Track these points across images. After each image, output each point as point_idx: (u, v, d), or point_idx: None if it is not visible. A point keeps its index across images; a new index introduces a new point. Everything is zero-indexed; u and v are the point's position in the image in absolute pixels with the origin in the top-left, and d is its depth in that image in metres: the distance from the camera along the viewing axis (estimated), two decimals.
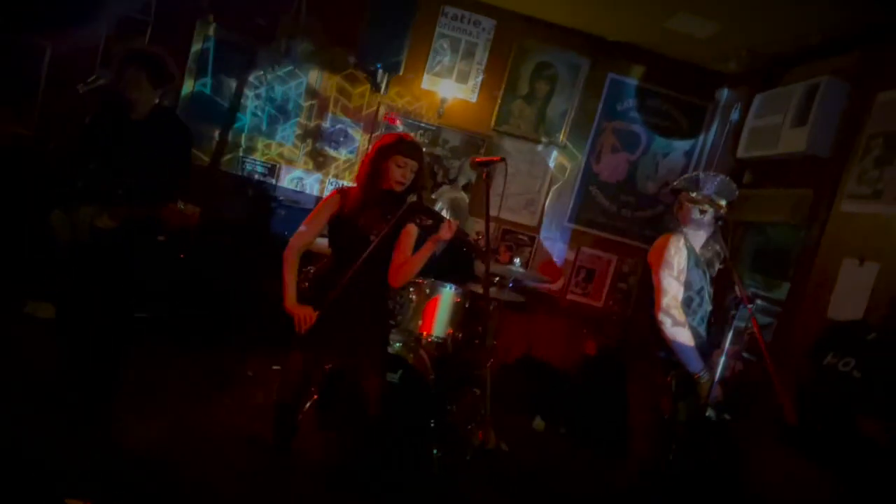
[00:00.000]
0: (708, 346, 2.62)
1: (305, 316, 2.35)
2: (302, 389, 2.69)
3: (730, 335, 2.34)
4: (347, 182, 4.82)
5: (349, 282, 2.33)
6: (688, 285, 2.57)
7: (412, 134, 4.61)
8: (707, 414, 3.77)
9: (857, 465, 2.34)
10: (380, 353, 2.69)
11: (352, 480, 2.83)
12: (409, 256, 2.50)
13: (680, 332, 2.50)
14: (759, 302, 4.03)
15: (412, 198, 2.43)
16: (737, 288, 2.32)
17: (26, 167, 4.40)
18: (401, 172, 2.42)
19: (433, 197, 4.63)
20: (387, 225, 2.38)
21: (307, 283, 2.61)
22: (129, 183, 2.52)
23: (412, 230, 2.51)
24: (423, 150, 2.54)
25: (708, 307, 2.65)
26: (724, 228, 2.53)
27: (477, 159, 2.39)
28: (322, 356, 2.72)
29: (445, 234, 2.32)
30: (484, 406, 3.82)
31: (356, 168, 4.83)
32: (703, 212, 2.58)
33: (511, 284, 3.91)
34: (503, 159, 2.39)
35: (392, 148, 2.43)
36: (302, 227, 2.55)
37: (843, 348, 2.66)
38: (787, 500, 2.88)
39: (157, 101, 2.68)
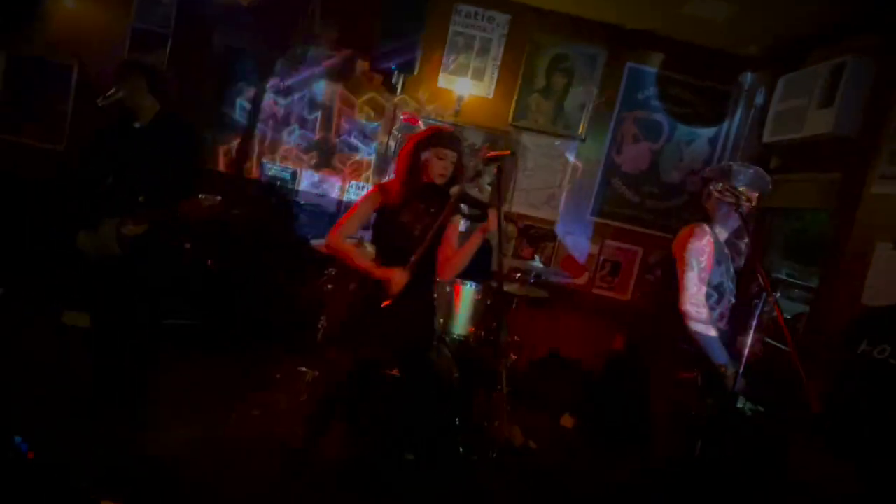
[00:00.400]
0: (731, 339, 2.55)
1: (399, 277, 2.34)
2: (344, 388, 2.68)
3: (753, 326, 2.27)
4: (367, 183, 4.86)
5: (383, 283, 2.35)
6: (707, 281, 2.50)
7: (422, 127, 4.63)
8: (740, 406, 3.71)
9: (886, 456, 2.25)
10: (427, 350, 2.71)
11: (378, 480, 2.85)
12: (456, 249, 2.49)
13: (703, 325, 2.44)
14: (788, 291, 3.93)
15: (455, 189, 2.41)
16: (759, 277, 2.25)
17: (59, 181, 4.56)
18: (442, 165, 2.41)
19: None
20: (432, 219, 2.39)
21: (355, 284, 2.62)
22: (146, 189, 2.58)
23: (458, 222, 2.53)
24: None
25: (728, 301, 2.57)
26: (747, 217, 2.44)
27: (488, 154, 2.37)
28: (371, 354, 2.68)
29: (494, 221, 2.29)
30: (505, 403, 3.81)
31: (374, 169, 4.87)
32: (732, 205, 2.44)
33: (532, 280, 3.88)
34: (513, 153, 2.36)
35: (432, 140, 2.42)
36: (342, 220, 2.55)
37: (879, 335, 2.56)
38: (825, 494, 2.79)
39: (159, 106, 2.75)
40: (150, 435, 2.81)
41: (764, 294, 2.22)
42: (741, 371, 2.25)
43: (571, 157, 4.85)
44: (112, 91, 2.64)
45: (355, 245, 3.57)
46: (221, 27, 4.61)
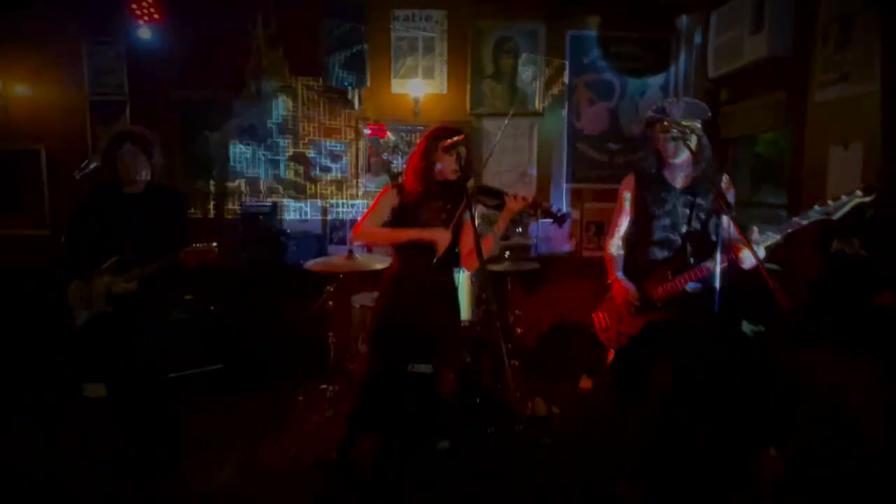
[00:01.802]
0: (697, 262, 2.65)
1: (443, 235, 2.50)
2: (371, 396, 2.78)
3: (719, 247, 2.40)
4: (348, 201, 4.99)
5: (421, 277, 2.51)
6: (641, 216, 2.70)
7: (390, 135, 4.77)
8: (743, 330, 3.86)
9: (881, 340, 2.41)
10: (458, 343, 2.86)
11: (416, 474, 2.96)
12: (475, 240, 2.57)
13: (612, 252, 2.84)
14: (767, 217, 4.08)
15: (471, 184, 2.52)
16: (717, 200, 2.40)
17: (51, 263, 4.67)
18: (452, 162, 2.52)
19: None
20: (450, 214, 2.51)
21: (382, 287, 2.75)
22: (136, 248, 2.69)
23: (473, 213, 2.63)
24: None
25: (682, 232, 2.67)
26: (699, 147, 2.56)
27: (445, 143, 2.50)
28: (402, 356, 2.78)
29: (514, 205, 2.41)
30: (520, 376, 3.95)
31: (350, 185, 5.00)
32: (676, 138, 2.58)
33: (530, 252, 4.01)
34: (465, 136, 2.50)
35: (440, 138, 2.53)
36: (363, 218, 2.67)
37: (846, 231, 2.72)
38: (830, 393, 2.95)
39: (150, 175, 2.84)
40: (188, 482, 2.92)
41: (721, 215, 2.37)
42: (718, 290, 2.38)
43: (535, 132, 5.00)
44: (85, 162, 2.75)
45: (348, 256, 3.71)
46: (174, 82, 4.73)
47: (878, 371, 2.59)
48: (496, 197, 2.50)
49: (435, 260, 2.51)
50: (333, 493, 2.82)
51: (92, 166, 2.77)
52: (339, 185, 5.02)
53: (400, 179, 2.76)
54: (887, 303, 2.40)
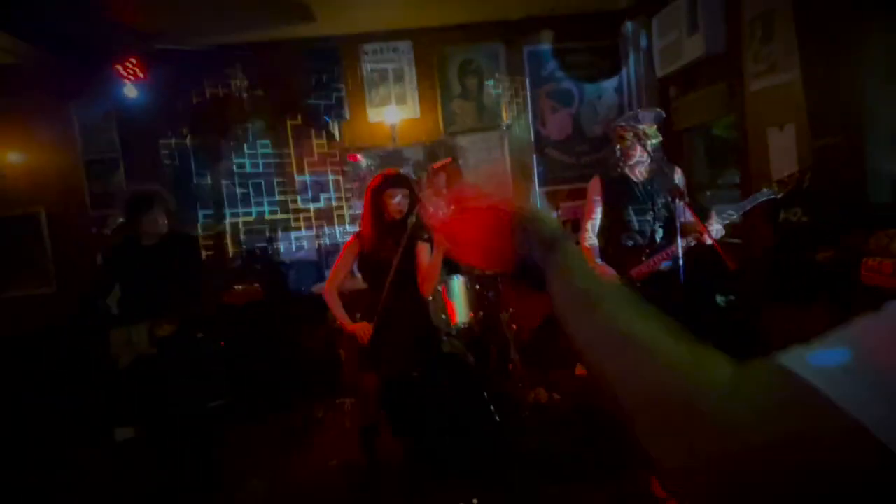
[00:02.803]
0: (663, 245, 3.01)
1: (363, 329, 2.79)
2: (378, 408, 3.08)
3: (678, 230, 2.76)
4: (337, 225, 5.28)
5: (390, 304, 2.77)
6: (610, 211, 3.08)
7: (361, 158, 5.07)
8: (718, 301, 4.23)
9: (827, 290, 2.78)
10: (433, 355, 3.13)
11: (438, 462, 3.24)
12: (427, 266, 2.86)
13: (588, 244, 3.18)
14: (725, 200, 4.48)
15: (412, 220, 2.81)
16: (672, 190, 2.77)
17: (62, 318, 4.87)
18: (396, 203, 2.81)
19: None
20: (404, 251, 2.77)
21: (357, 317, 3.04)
22: (164, 295, 2.96)
23: (424, 247, 2.91)
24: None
25: (649, 220, 3.03)
26: (653, 148, 2.94)
27: (434, 167, 2.83)
28: (387, 371, 3.04)
29: (442, 241, 2.72)
30: (522, 370, 4.26)
31: (339, 212, 5.30)
32: (642, 143, 2.92)
33: None
34: (454, 159, 2.84)
35: (381, 186, 2.82)
36: (332, 272, 2.98)
37: (789, 203, 3.11)
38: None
39: (167, 227, 3.11)
40: (231, 498, 3.17)
41: (675, 201, 2.73)
42: (682, 267, 2.73)
43: (506, 144, 5.36)
44: (116, 220, 3.01)
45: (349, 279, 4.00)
46: (164, 133, 5.00)
47: (829, 317, 2.97)
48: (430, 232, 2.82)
49: (395, 272, 2.76)
50: (362, 494, 3.08)
51: (120, 221, 3.03)
52: (329, 212, 5.32)
53: (359, 228, 3.02)
54: (827, 258, 2.77)
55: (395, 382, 3.29)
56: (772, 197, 2.76)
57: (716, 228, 2.72)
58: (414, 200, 2.89)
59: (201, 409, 3.26)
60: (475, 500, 2.71)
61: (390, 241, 2.84)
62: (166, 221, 3.08)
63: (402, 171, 3.08)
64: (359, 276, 3.07)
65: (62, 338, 4.55)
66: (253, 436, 4.04)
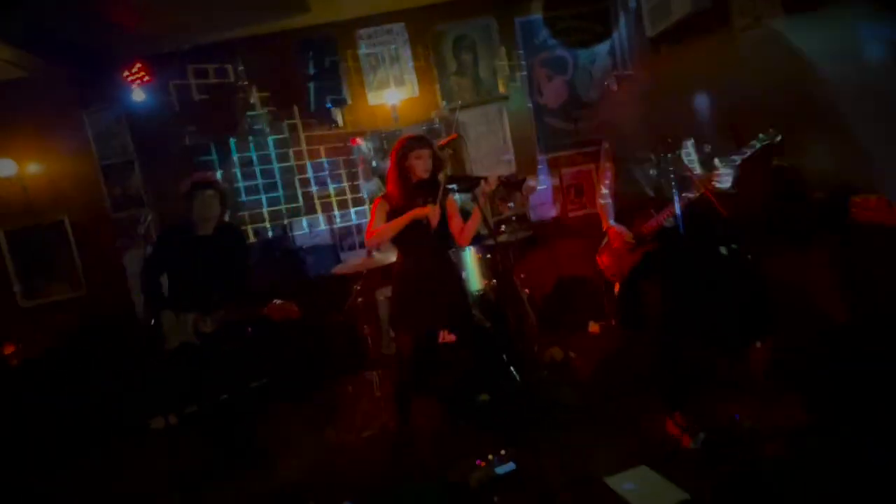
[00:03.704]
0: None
1: (432, 210, 2.92)
2: (415, 367, 3.23)
3: (675, 186, 2.91)
4: (351, 209, 5.45)
5: (422, 263, 2.97)
6: (625, 172, 3.21)
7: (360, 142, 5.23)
8: (722, 252, 4.38)
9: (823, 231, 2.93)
10: (468, 305, 3.33)
11: (465, 423, 3.46)
12: (463, 221, 3.07)
13: (603, 203, 3.29)
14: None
15: (442, 176, 2.97)
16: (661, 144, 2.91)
17: (95, 319, 5.12)
18: (422, 163, 2.99)
19: None
20: (434, 205, 2.92)
21: (393, 280, 3.20)
22: (215, 288, 3.13)
23: (453, 201, 3.12)
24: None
25: (655, 174, 3.17)
26: None
27: (440, 143, 3.00)
28: (424, 327, 3.24)
29: (487, 188, 2.86)
30: (538, 331, 4.46)
31: (348, 195, 5.47)
32: None
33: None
34: (459, 135, 3.00)
35: (405, 148, 3.00)
36: (370, 225, 3.10)
37: (781, 150, 3.24)
38: (795, 285, 3.47)
39: (220, 216, 3.26)
40: (276, 469, 3.42)
41: (667, 154, 2.88)
42: (681, 221, 2.88)
43: (505, 116, 5.48)
44: (146, 216, 3.18)
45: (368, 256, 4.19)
46: (174, 133, 5.15)
47: (825, 257, 3.12)
48: (465, 181, 2.99)
49: (432, 231, 2.95)
50: (398, 455, 3.29)
51: (149, 218, 3.21)
52: (339, 196, 5.48)
53: (386, 190, 3.18)
54: (819, 199, 2.92)
55: (428, 343, 3.45)
56: (767, 143, 2.88)
57: (725, 177, 2.86)
58: (438, 161, 3.06)
59: (241, 390, 3.47)
60: (503, 451, 2.92)
61: (419, 200, 3.01)
62: (220, 210, 3.22)
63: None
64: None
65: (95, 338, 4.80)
66: (287, 414, 4.29)
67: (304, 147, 5.39)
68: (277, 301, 3.03)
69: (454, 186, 3.00)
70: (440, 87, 5.41)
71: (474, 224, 3.02)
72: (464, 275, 4.07)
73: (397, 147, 3.05)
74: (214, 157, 5.26)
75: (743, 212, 3.63)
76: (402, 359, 3.22)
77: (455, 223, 3.10)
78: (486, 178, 2.90)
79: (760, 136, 2.89)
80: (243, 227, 5.38)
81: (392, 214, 3.08)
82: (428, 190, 3.00)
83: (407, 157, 2.99)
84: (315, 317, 4.70)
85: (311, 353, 4.69)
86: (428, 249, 3.04)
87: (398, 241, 3.14)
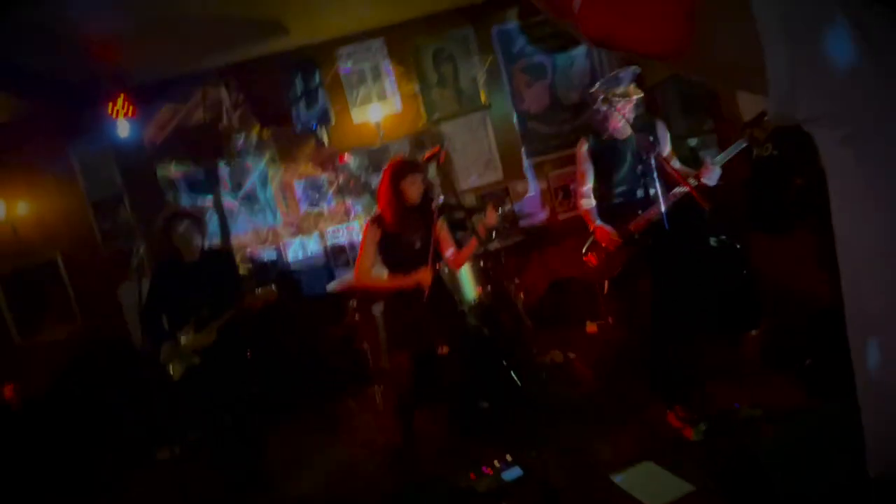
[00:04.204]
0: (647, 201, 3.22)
1: (425, 275, 2.97)
2: (413, 385, 3.27)
3: (656, 182, 2.96)
4: (338, 225, 5.48)
5: (416, 285, 2.99)
6: (601, 173, 3.26)
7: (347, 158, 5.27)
8: (711, 243, 4.43)
9: (803, 214, 2.99)
10: (459, 322, 3.36)
11: (470, 430, 3.48)
12: (456, 246, 3.14)
13: (586, 206, 3.33)
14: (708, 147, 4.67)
15: (436, 203, 3.03)
16: (646, 144, 2.96)
17: (92, 354, 5.11)
18: (415, 189, 3.03)
19: None
20: (426, 231, 2.99)
21: (382, 304, 3.24)
22: (207, 307, 3.18)
23: (444, 226, 3.16)
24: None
25: (635, 176, 3.22)
26: (626, 107, 3.12)
27: (424, 157, 3.04)
28: (419, 346, 3.24)
29: (490, 221, 2.93)
30: (535, 334, 4.48)
31: (338, 213, 5.50)
32: (609, 105, 3.11)
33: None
34: (440, 147, 3.04)
35: (399, 173, 3.03)
36: (358, 261, 3.15)
37: (762, 139, 3.30)
38: (784, 271, 3.53)
39: (203, 244, 3.32)
40: (284, 484, 3.43)
41: (650, 155, 2.93)
42: (666, 217, 2.94)
43: (488, 125, 5.54)
44: (136, 251, 3.23)
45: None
46: (161, 162, 5.19)
47: (810, 242, 3.18)
48: (461, 210, 3.03)
49: (421, 253, 3.00)
50: (404, 467, 3.31)
51: (142, 250, 3.24)
52: (330, 215, 5.52)
53: (377, 212, 3.22)
54: (800, 183, 2.98)
55: (425, 358, 3.48)
56: (745, 146, 2.93)
57: (713, 175, 2.92)
58: (429, 186, 3.12)
59: (244, 413, 3.49)
60: (508, 457, 2.95)
61: (411, 224, 3.06)
62: (201, 238, 3.28)
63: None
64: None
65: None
66: (292, 432, 4.29)
67: (292, 167, 5.42)
68: (258, 290, 3.07)
69: (448, 215, 3.06)
70: (423, 101, 5.46)
71: (469, 252, 3.08)
72: (455, 290, 4.11)
73: (390, 170, 3.08)
74: (200, 184, 5.29)
75: (726, 202, 3.70)
76: (400, 379, 3.26)
77: (447, 249, 3.14)
78: (484, 212, 2.94)
79: (740, 141, 2.92)
80: (236, 251, 5.41)
81: (384, 240, 3.11)
82: (421, 213, 3.04)
83: (400, 182, 3.02)
84: (313, 335, 4.73)
85: (312, 371, 4.71)
86: (431, 271, 3.04)
87: (388, 263, 3.18)
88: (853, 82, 0.59)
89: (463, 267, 4.18)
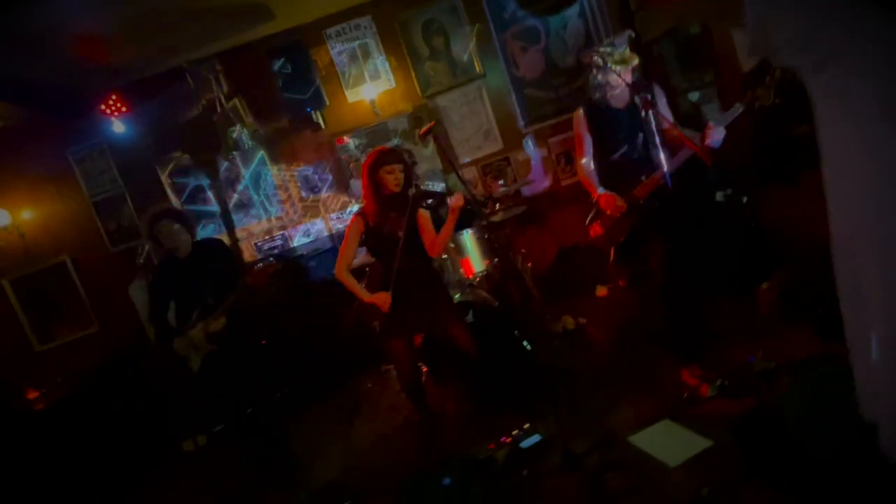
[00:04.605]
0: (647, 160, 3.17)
1: (383, 299, 3.00)
2: (415, 368, 3.32)
3: (658, 145, 2.91)
4: (346, 210, 5.48)
5: (402, 271, 2.98)
6: (600, 140, 3.18)
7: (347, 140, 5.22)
8: (718, 199, 4.38)
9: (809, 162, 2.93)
10: (451, 307, 3.33)
11: (485, 402, 3.50)
12: (435, 233, 3.09)
13: (587, 174, 3.26)
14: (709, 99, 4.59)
15: (412, 191, 3.00)
16: (641, 102, 2.90)
17: (112, 353, 5.18)
18: (393, 178, 2.99)
19: None
20: (404, 220, 2.96)
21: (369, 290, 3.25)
22: (212, 295, 3.20)
23: (425, 213, 3.13)
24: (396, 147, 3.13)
25: (635, 140, 3.14)
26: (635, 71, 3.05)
27: (420, 133, 3.00)
28: (411, 333, 3.31)
29: (457, 202, 2.89)
30: (540, 300, 4.48)
31: (341, 196, 5.48)
32: (600, 67, 3.06)
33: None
34: (436, 122, 3.00)
35: (376, 163, 3.00)
36: (340, 253, 3.16)
37: (762, 87, 3.23)
38: (793, 222, 3.48)
39: (191, 238, 3.32)
40: (310, 466, 3.49)
41: (647, 112, 2.88)
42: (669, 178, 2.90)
43: (485, 94, 5.46)
44: (141, 250, 3.24)
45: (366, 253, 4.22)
46: (160, 159, 5.18)
47: (817, 188, 3.12)
48: (435, 197, 3.00)
49: (402, 244, 2.95)
50: (425, 443, 3.34)
51: (147, 248, 3.26)
52: (332, 198, 5.50)
53: (362, 203, 3.19)
54: (801, 132, 2.92)
55: (429, 340, 3.50)
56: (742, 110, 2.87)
57: (718, 135, 2.86)
58: (409, 173, 3.07)
59: (265, 401, 3.54)
60: (526, 425, 2.97)
61: (393, 214, 3.04)
62: (187, 234, 3.28)
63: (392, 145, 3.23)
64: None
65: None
66: (313, 417, 4.35)
67: (289, 154, 5.40)
68: (258, 265, 3.08)
69: (423, 202, 3.02)
70: (416, 75, 5.39)
71: (446, 235, 3.03)
72: (455, 269, 4.11)
73: (368, 161, 3.05)
74: (203, 178, 5.29)
75: (729, 157, 3.64)
76: (398, 366, 3.28)
77: (427, 235, 3.11)
78: (453, 194, 2.91)
79: (736, 104, 2.85)
80: (242, 241, 5.43)
81: (367, 234, 3.10)
82: (400, 203, 3.01)
83: (377, 172, 2.99)
84: (324, 319, 4.75)
85: (328, 354, 4.76)
86: (402, 256, 3.00)
87: (373, 253, 3.18)
88: (821, 7, 0.60)
89: (468, 239, 4.18)
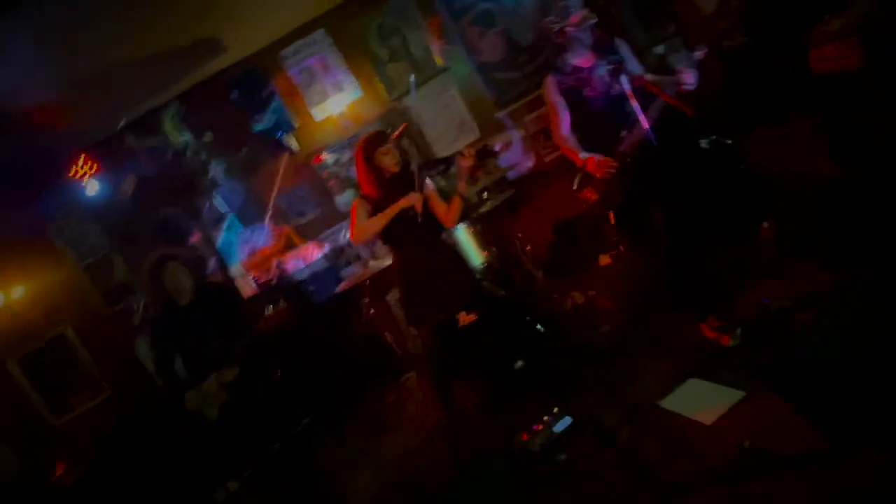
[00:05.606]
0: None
1: (413, 197, 2.91)
2: (444, 351, 3.25)
3: (633, 101, 2.85)
4: (333, 227, 5.42)
5: (423, 251, 2.95)
6: (575, 106, 3.12)
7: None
8: (703, 146, 4.33)
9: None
10: (476, 282, 3.32)
11: (511, 393, 3.46)
12: (445, 204, 3.03)
13: (566, 142, 3.17)
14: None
15: (414, 166, 2.96)
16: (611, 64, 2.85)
17: (129, 414, 5.12)
18: (391, 158, 2.96)
19: None
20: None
21: (397, 280, 3.18)
22: (218, 342, 3.14)
23: (432, 186, 3.09)
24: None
25: (609, 100, 3.08)
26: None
27: (393, 137, 2.95)
28: (436, 314, 3.19)
29: (465, 162, 2.82)
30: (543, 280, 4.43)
31: (327, 215, 5.42)
32: (570, 34, 3.01)
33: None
34: (406, 124, 2.95)
35: (370, 148, 2.97)
36: (353, 223, 3.04)
37: (731, 32, 3.18)
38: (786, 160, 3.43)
39: (196, 283, 3.23)
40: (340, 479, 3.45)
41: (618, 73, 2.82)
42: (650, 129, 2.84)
43: (452, 86, 5.39)
44: (138, 305, 3.17)
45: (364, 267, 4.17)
46: (141, 210, 5.08)
47: (810, 123, 3.07)
48: (441, 163, 2.95)
49: (419, 219, 2.92)
50: (457, 444, 3.29)
51: (142, 303, 3.18)
52: (319, 219, 5.43)
53: (361, 193, 3.14)
54: (784, 66, 2.87)
55: (448, 330, 3.43)
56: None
57: (690, 78, 2.80)
58: (404, 152, 3.03)
59: (292, 428, 3.49)
60: (556, 409, 2.92)
61: (399, 193, 2.97)
62: (191, 277, 3.20)
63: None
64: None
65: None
66: (340, 438, 4.30)
67: (269, 183, 5.33)
68: (268, 310, 3.02)
69: (429, 172, 2.97)
70: (380, 80, 5.32)
71: (459, 203, 2.99)
72: (463, 252, 4.04)
73: (360, 148, 3.02)
74: (185, 219, 5.22)
75: (707, 102, 3.59)
76: (429, 350, 3.23)
77: (438, 207, 3.07)
78: (461, 153, 2.84)
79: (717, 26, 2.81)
80: (238, 278, 5.36)
81: (374, 213, 3.03)
82: (404, 182, 2.97)
83: (374, 156, 2.96)
84: (334, 339, 4.70)
85: (345, 374, 4.70)
86: (419, 239, 3.01)
87: (389, 239, 3.12)
88: None
89: (462, 233, 4.12)
